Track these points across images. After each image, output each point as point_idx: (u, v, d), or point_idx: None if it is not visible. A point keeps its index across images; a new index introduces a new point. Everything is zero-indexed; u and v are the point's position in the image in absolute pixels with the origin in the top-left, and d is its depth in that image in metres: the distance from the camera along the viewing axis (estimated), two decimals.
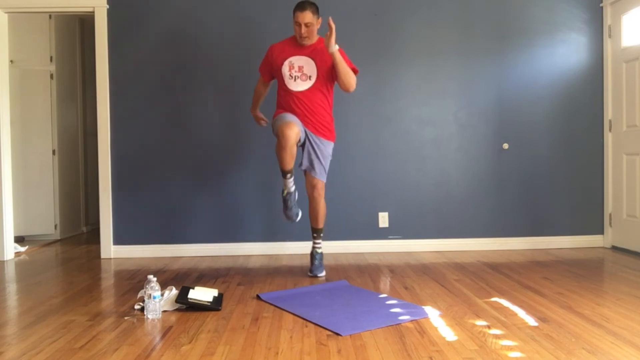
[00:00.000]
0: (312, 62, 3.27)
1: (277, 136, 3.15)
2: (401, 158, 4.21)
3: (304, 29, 3.21)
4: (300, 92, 3.27)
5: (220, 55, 4.15)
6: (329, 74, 3.30)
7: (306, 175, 3.34)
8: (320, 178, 3.32)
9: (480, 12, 4.21)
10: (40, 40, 5.04)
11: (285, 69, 3.28)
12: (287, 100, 3.30)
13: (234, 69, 4.14)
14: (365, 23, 4.18)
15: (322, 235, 3.47)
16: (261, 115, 3.73)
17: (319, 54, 3.28)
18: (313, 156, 3.28)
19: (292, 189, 3.29)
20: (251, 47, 4.13)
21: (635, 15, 3.96)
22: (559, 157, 4.25)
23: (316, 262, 3.38)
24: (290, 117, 3.19)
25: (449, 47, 4.21)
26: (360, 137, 4.18)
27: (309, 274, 3.36)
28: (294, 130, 3.08)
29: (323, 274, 3.36)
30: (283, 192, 3.31)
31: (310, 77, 3.27)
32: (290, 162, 3.16)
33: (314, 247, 3.44)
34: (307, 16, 3.20)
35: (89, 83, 5.69)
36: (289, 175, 3.22)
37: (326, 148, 3.34)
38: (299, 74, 3.26)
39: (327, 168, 3.36)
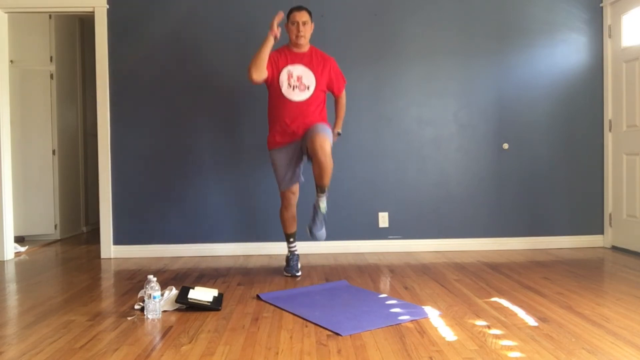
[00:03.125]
0: (310, 73, 3.27)
1: (281, 198, 3.41)
2: (401, 158, 4.21)
3: (301, 27, 3.22)
4: (297, 102, 3.26)
5: (220, 55, 4.15)
6: (325, 86, 3.34)
7: (310, 142, 3.10)
8: (327, 134, 3.10)
9: (480, 12, 4.21)
10: (40, 40, 5.04)
11: (283, 76, 3.26)
12: (281, 110, 3.27)
13: (233, 69, 4.13)
14: (365, 23, 4.18)
15: (326, 190, 3.24)
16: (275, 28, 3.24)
17: (316, 64, 3.30)
18: (313, 129, 3.14)
19: (296, 253, 3.47)
20: (251, 47, 4.11)
21: (635, 15, 3.96)
22: (559, 157, 4.25)
23: (317, 221, 3.27)
24: (290, 175, 3.32)
25: (449, 47, 4.21)
26: (360, 137, 4.18)
27: (307, 231, 3.30)
28: (296, 194, 3.40)
29: (324, 235, 3.34)
30: (288, 257, 3.45)
31: (308, 87, 3.27)
32: (293, 226, 3.46)
33: (317, 202, 3.25)
34: (304, 15, 3.24)
35: (89, 83, 5.70)
36: (292, 239, 3.46)
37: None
38: (298, 83, 3.26)
39: (330, 135, 3.17)
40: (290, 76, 3.26)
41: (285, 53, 3.32)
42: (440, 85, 4.22)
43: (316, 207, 3.30)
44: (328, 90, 3.42)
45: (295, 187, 3.41)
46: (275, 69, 3.28)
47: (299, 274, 3.38)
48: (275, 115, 3.33)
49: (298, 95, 3.26)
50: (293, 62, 3.28)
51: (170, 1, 4.14)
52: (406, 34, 4.20)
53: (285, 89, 3.26)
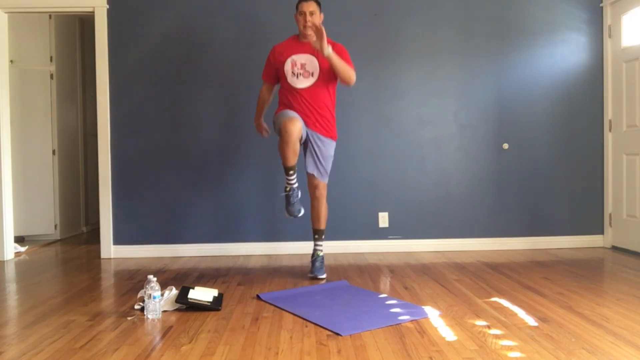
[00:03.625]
0: (314, 60, 3.27)
1: (280, 132, 3.14)
2: (401, 158, 4.21)
3: (308, 17, 3.22)
4: (303, 89, 3.27)
5: (221, 54, 4.15)
6: (331, 72, 3.30)
7: (308, 176, 3.34)
8: (322, 179, 3.33)
9: (480, 12, 4.21)
10: (40, 40, 5.04)
11: (287, 66, 3.28)
12: (289, 98, 3.31)
13: (234, 69, 4.14)
14: (365, 23, 4.18)
15: (323, 237, 3.45)
16: (265, 125, 3.67)
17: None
18: (315, 157, 3.29)
19: (295, 185, 3.27)
20: (252, 46, 4.13)
21: (635, 15, 3.96)
22: (559, 157, 4.25)
23: (317, 264, 3.35)
24: (292, 113, 3.20)
25: (449, 47, 4.21)
26: (360, 137, 4.18)
27: (309, 274, 3.33)
28: (297, 125, 3.08)
29: (324, 275, 3.32)
30: (286, 188, 3.27)
31: (312, 74, 3.27)
32: (293, 159, 3.14)
33: (315, 250, 3.41)
34: (312, 5, 3.24)
35: (89, 83, 5.69)
36: (292, 172, 3.21)
37: (327, 149, 3.33)
38: (302, 71, 3.27)
39: (328, 169, 3.36)
40: (293, 65, 3.28)
41: (292, 43, 3.35)
42: (440, 86, 4.21)
43: (315, 254, 3.38)
44: (337, 78, 3.33)
45: (298, 117, 3.16)
46: (279, 65, 3.31)
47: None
48: (282, 103, 3.37)
49: (302, 82, 3.27)
50: (298, 51, 3.30)
51: (170, 1, 4.14)
52: (406, 34, 4.20)
53: (290, 78, 3.28)
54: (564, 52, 4.24)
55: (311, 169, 3.30)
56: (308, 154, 3.30)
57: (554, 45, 4.24)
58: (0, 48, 4.11)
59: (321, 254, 3.41)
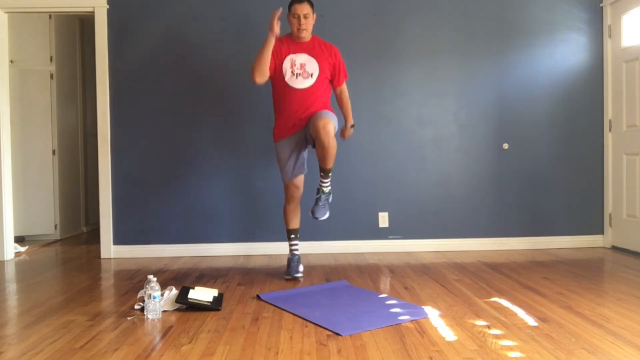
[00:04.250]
0: (313, 60, 3.26)
1: (286, 191, 3.36)
2: (401, 158, 4.21)
3: (302, 21, 3.20)
4: (301, 90, 3.25)
5: (220, 54, 4.15)
6: (329, 73, 3.32)
7: (313, 127, 3.10)
8: (331, 118, 3.11)
9: (480, 12, 4.21)
10: (40, 40, 5.04)
11: (287, 64, 3.25)
12: (286, 99, 3.27)
13: (234, 68, 4.13)
14: (365, 23, 4.18)
15: (330, 174, 3.25)
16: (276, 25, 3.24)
17: (319, 52, 3.28)
18: (317, 115, 3.15)
19: (297, 251, 3.42)
20: (251, 46, 4.11)
21: (635, 15, 3.96)
22: (559, 157, 4.25)
23: (320, 203, 3.28)
24: (295, 170, 3.30)
25: (449, 47, 4.21)
26: (360, 137, 4.18)
27: (310, 214, 3.30)
28: (301, 189, 3.37)
29: (326, 216, 3.31)
30: (289, 256, 3.40)
31: (312, 74, 3.26)
32: (296, 222, 3.43)
33: (320, 185, 3.27)
34: (305, 7, 3.20)
35: (89, 83, 5.70)
36: (293, 236, 3.42)
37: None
38: (301, 71, 3.25)
39: (335, 120, 3.18)
40: (293, 64, 3.24)
41: (288, 42, 3.30)
42: (440, 85, 4.21)
43: (320, 190, 3.30)
44: (330, 79, 3.37)
45: (299, 181, 3.36)
46: (278, 59, 3.25)
47: (300, 275, 3.27)
48: (280, 106, 3.32)
49: (302, 83, 3.25)
50: (296, 50, 3.26)
51: (170, 1, 4.14)
52: (406, 34, 4.20)
53: (288, 78, 3.24)
54: (564, 52, 4.24)
55: (319, 117, 3.11)
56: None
57: (554, 45, 4.24)
58: (0, 48, 4.11)
59: (327, 189, 3.28)
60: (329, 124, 3.06)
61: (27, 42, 5.00)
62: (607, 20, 4.19)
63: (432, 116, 4.22)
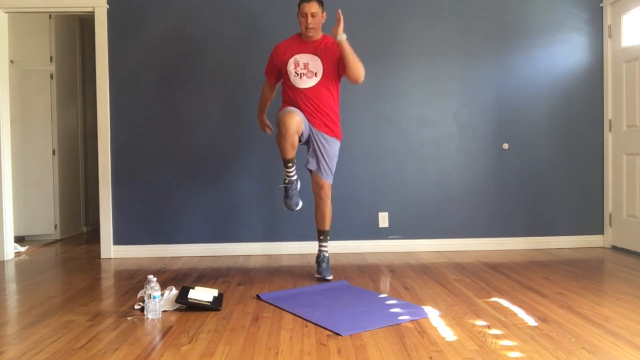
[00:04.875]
0: (317, 59, 3.26)
1: (278, 125, 3.14)
2: (401, 158, 4.21)
3: (309, 19, 3.19)
4: (306, 89, 3.25)
5: (220, 54, 4.15)
6: (334, 71, 3.28)
7: (312, 176, 3.32)
8: (327, 179, 3.30)
9: (480, 12, 4.21)
10: (40, 40, 5.04)
11: (290, 66, 3.26)
12: (293, 98, 3.29)
13: (234, 69, 4.14)
14: (365, 23, 4.18)
15: (328, 238, 3.42)
16: (268, 122, 3.65)
17: (324, 50, 3.27)
18: (319, 156, 3.26)
19: (294, 178, 3.28)
20: (251, 46, 4.13)
21: (635, 15, 3.96)
22: (559, 157, 4.25)
23: (323, 265, 3.31)
24: (292, 108, 3.20)
25: (449, 47, 4.21)
26: (360, 137, 4.18)
27: (317, 275, 3.29)
28: (295, 119, 3.08)
29: (331, 277, 3.27)
30: (284, 180, 3.27)
31: (316, 73, 3.25)
32: (291, 152, 3.15)
33: (320, 251, 3.38)
34: (313, 6, 3.19)
35: (89, 83, 5.69)
36: (290, 164, 3.22)
37: (332, 147, 3.31)
38: (305, 70, 3.25)
39: (333, 169, 3.33)
40: (296, 65, 3.26)
41: (295, 42, 3.32)
42: (440, 85, 4.21)
43: (320, 255, 3.35)
44: (340, 77, 3.34)
45: (299, 113, 3.16)
46: (282, 65, 3.30)
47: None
48: (287, 100, 3.35)
49: (306, 83, 3.25)
50: (300, 51, 3.27)
51: (170, 1, 4.14)
52: (406, 34, 4.20)
53: (293, 78, 3.27)
54: (564, 52, 4.24)
55: (313, 166, 3.26)
56: (311, 153, 3.28)
57: (554, 45, 4.24)
58: (0, 48, 4.11)
59: (327, 254, 3.38)
60: (325, 188, 3.29)
61: (27, 42, 5.00)
62: (607, 20, 4.19)
63: (432, 116, 4.22)
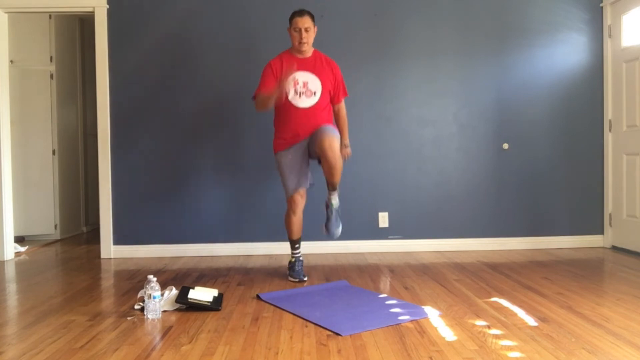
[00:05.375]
0: (316, 78, 3.23)
1: (288, 203, 3.27)
2: (401, 158, 4.21)
3: (304, 34, 3.17)
4: (305, 109, 3.21)
5: (220, 54, 4.15)
6: (330, 89, 3.30)
7: (318, 143, 3.07)
8: (335, 134, 3.10)
9: (480, 12, 4.21)
10: (40, 40, 5.04)
11: (289, 84, 3.18)
12: (289, 119, 3.22)
13: (233, 69, 4.14)
14: (365, 23, 4.18)
15: (337, 187, 3.26)
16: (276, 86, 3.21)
17: (321, 69, 3.26)
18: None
19: (300, 257, 3.38)
20: (251, 46, 4.13)
21: (635, 15, 3.96)
22: (559, 157, 4.25)
23: (332, 218, 3.25)
24: (303, 182, 3.23)
25: (449, 47, 4.21)
26: (360, 137, 4.18)
27: (324, 231, 3.28)
28: (304, 199, 3.28)
29: (339, 230, 3.28)
30: (290, 261, 3.37)
31: (315, 92, 3.23)
32: (298, 232, 3.34)
33: (329, 199, 3.26)
34: (307, 21, 3.18)
35: (89, 83, 5.70)
36: (297, 245, 3.37)
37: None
38: (304, 89, 3.21)
39: (338, 138, 3.16)
40: (296, 83, 3.19)
41: (289, 59, 3.25)
42: (440, 85, 4.21)
43: (328, 204, 3.28)
44: (332, 101, 3.37)
45: (303, 190, 3.29)
46: (280, 77, 3.19)
47: (306, 278, 3.26)
48: (282, 122, 3.27)
49: (305, 102, 3.21)
50: (298, 68, 3.20)
51: (170, 1, 4.14)
52: (406, 34, 4.20)
53: (291, 96, 3.20)
54: (564, 52, 4.24)
55: (324, 134, 3.09)
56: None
57: (554, 45, 4.24)
58: (0, 48, 4.11)
59: (335, 203, 3.26)
60: (334, 141, 3.05)
61: (27, 42, 5.00)
62: (607, 20, 4.19)
63: (432, 116, 4.22)
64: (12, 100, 4.68)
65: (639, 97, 3.90)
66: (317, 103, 3.23)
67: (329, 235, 3.30)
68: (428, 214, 4.22)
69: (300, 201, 3.27)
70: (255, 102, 3.29)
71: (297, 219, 3.31)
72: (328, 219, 3.29)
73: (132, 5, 4.13)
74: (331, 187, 3.24)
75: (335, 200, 3.28)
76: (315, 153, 3.18)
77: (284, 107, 3.23)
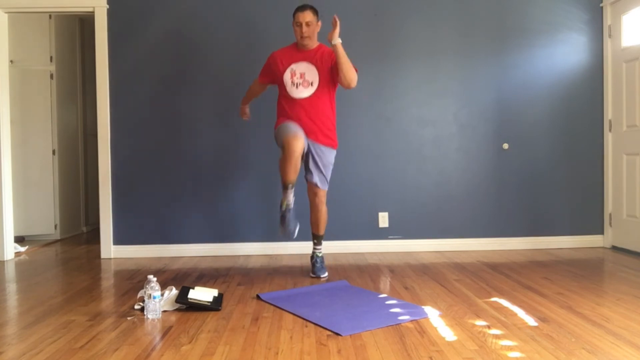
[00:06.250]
0: (313, 68, 3.25)
1: (283, 148, 3.10)
2: (401, 158, 4.21)
3: (304, 28, 3.19)
4: (303, 99, 3.24)
5: (220, 55, 4.15)
6: (330, 79, 3.28)
7: (309, 185, 3.33)
8: (322, 188, 3.32)
9: (480, 12, 4.21)
10: (40, 40, 5.04)
11: (287, 76, 3.25)
12: (289, 108, 3.27)
13: (233, 69, 4.14)
14: (365, 23, 4.18)
15: (322, 241, 3.46)
16: (248, 111, 3.76)
17: (320, 59, 3.26)
18: (313, 166, 3.27)
19: (292, 202, 3.23)
20: (251, 47, 4.13)
21: (635, 15, 3.96)
22: (559, 157, 4.25)
23: (317, 265, 3.37)
24: (295, 128, 3.15)
25: (449, 47, 4.21)
26: (360, 137, 4.18)
27: (311, 275, 3.34)
28: (300, 142, 3.06)
29: (326, 274, 3.33)
30: (282, 205, 3.21)
31: (312, 83, 3.24)
32: (293, 176, 3.12)
33: (314, 251, 3.42)
34: (308, 15, 3.20)
35: (89, 83, 5.70)
36: (290, 187, 3.17)
37: (328, 157, 3.32)
38: (301, 80, 3.24)
39: (328, 177, 3.35)
40: (293, 74, 3.25)
41: (291, 51, 3.31)
42: (440, 85, 4.21)
43: (314, 256, 3.39)
44: (336, 85, 3.32)
45: (301, 133, 3.14)
46: (278, 73, 3.29)
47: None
48: (281, 113, 3.34)
49: (302, 92, 3.24)
50: (297, 60, 3.26)
51: (170, 1, 4.14)
52: (406, 34, 4.20)
53: (289, 88, 3.26)
54: (564, 52, 4.24)
55: (313, 179, 3.27)
56: (310, 164, 3.27)
57: (554, 45, 4.24)
58: (0, 48, 4.10)
59: (320, 254, 3.42)
60: (320, 195, 3.30)
61: (27, 42, 5.00)
62: (607, 20, 4.19)
63: (432, 116, 4.22)
64: (12, 100, 4.68)
65: (639, 97, 3.90)
66: (315, 94, 3.24)
67: (317, 277, 3.31)
68: (428, 214, 4.22)
69: (297, 144, 3.03)
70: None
71: (293, 164, 3.07)
72: (313, 267, 3.37)
73: (132, 5, 4.13)
74: (317, 239, 3.43)
75: (320, 253, 3.43)
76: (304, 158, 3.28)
77: (283, 98, 3.31)
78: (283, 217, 3.22)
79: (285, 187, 3.16)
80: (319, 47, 3.31)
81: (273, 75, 3.36)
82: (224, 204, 4.17)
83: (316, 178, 3.28)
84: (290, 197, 3.19)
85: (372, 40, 4.18)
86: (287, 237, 3.30)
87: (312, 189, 3.32)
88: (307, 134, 3.23)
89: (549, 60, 4.24)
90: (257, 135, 4.10)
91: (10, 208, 4.16)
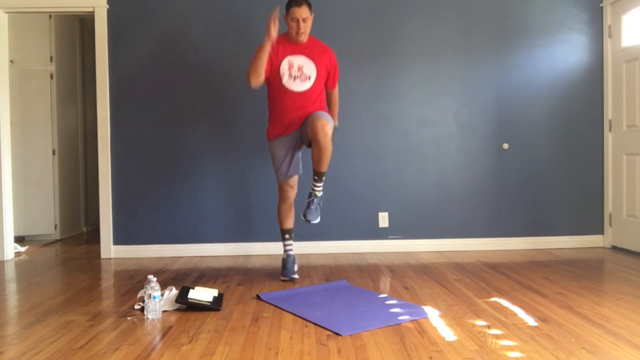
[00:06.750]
0: (311, 63, 3.24)
1: (279, 189, 3.35)
2: (401, 158, 4.21)
3: (301, 24, 3.16)
4: (299, 93, 3.22)
5: (220, 54, 4.15)
6: (325, 75, 3.32)
7: (310, 124, 3.08)
8: (328, 119, 3.08)
9: (480, 12, 4.21)
10: (40, 40, 5.04)
11: (284, 66, 3.21)
12: (283, 102, 3.23)
13: (233, 69, 4.13)
14: (365, 23, 4.18)
15: (324, 178, 3.21)
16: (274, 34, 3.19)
17: (316, 54, 3.27)
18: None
19: (291, 251, 3.38)
20: (251, 46, 4.12)
21: (635, 15, 3.96)
22: (559, 157, 4.25)
23: (312, 207, 3.23)
24: (291, 170, 3.28)
25: (449, 47, 4.21)
26: (360, 137, 4.18)
27: (302, 217, 3.24)
28: (294, 191, 3.36)
29: (318, 219, 3.26)
30: (283, 257, 3.36)
31: (309, 77, 3.24)
32: (289, 222, 3.39)
33: (313, 189, 3.21)
34: (304, 11, 3.16)
35: (89, 83, 5.70)
36: (287, 235, 3.38)
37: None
38: (299, 73, 3.22)
39: (332, 123, 3.15)
40: (291, 66, 3.21)
41: (285, 43, 3.25)
42: (440, 85, 4.22)
43: (312, 194, 3.22)
44: (327, 86, 3.40)
45: (294, 181, 3.35)
46: (275, 60, 3.21)
47: (297, 277, 3.25)
48: (276, 107, 3.28)
49: (299, 86, 3.22)
50: (293, 52, 3.23)
51: (170, 1, 4.14)
52: (406, 34, 4.20)
53: (286, 80, 3.21)
54: (564, 52, 4.24)
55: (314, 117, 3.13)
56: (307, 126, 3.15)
57: (554, 45, 4.24)
58: (0, 48, 4.11)
59: (319, 194, 3.22)
60: (327, 125, 3.03)
61: (27, 42, 5.00)
62: (607, 20, 4.19)
63: (432, 116, 4.22)
64: (12, 100, 4.69)
65: (639, 97, 3.90)
66: (311, 88, 3.24)
67: (306, 221, 3.26)
68: (428, 214, 4.22)
69: (290, 191, 3.36)
70: (247, 70, 3.17)
71: (288, 208, 3.39)
72: (307, 207, 3.24)
73: (132, 5, 4.13)
74: (317, 175, 3.17)
75: (319, 192, 3.23)
76: (307, 137, 3.16)
77: (279, 91, 3.23)
78: (284, 264, 3.31)
79: (282, 235, 3.41)
80: (311, 40, 3.30)
81: (271, 61, 3.20)
82: (224, 204, 4.17)
83: (320, 115, 3.10)
84: (289, 246, 3.39)
85: (372, 40, 4.18)
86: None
87: (317, 123, 3.03)
88: (303, 124, 3.21)
89: (549, 60, 4.24)
90: (258, 136, 4.10)
91: (10, 208, 4.16)
